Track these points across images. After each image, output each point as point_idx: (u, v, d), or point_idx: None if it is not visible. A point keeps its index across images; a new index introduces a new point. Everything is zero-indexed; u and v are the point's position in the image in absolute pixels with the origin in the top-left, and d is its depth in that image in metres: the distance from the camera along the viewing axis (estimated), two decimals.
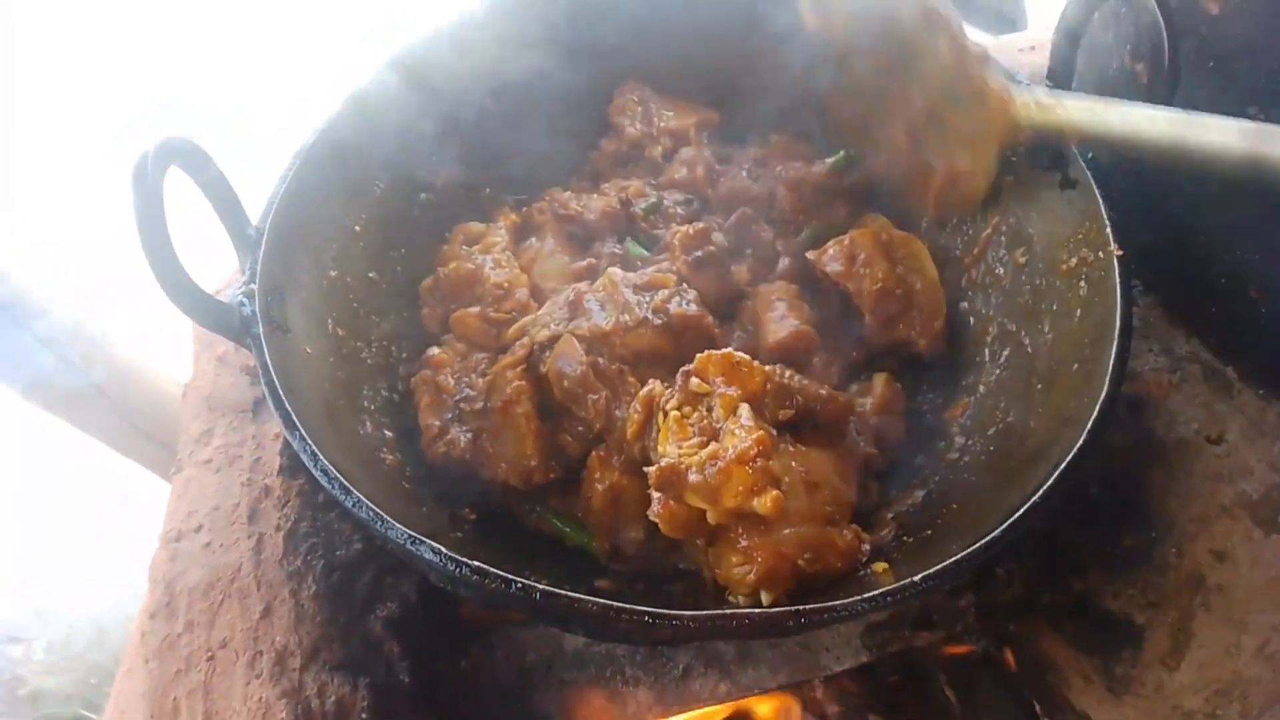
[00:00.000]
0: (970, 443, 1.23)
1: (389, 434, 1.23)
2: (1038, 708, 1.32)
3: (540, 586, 0.90)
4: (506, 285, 1.34)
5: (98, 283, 3.24)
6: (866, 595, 0.92)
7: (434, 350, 1.29)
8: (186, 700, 1.10)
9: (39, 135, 3.83)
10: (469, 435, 1.20)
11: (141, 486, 3.09)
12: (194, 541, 1.22)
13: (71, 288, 2.66)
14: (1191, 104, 1.18)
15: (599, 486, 1.14)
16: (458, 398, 1.23)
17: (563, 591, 0.92)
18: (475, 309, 1.32)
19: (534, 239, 1.46)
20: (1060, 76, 1.24)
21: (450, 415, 1.23)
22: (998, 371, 1.27)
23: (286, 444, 1.29)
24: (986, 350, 1.31)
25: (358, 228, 1.34)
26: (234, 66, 3.93)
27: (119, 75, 3.95)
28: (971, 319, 1.36)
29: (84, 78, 3.94)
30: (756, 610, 0.93)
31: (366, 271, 1.34)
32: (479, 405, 1.21)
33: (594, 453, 1.17)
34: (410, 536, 0.93)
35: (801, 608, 0.91)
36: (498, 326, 1.31)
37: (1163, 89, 1.09)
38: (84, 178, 3.73)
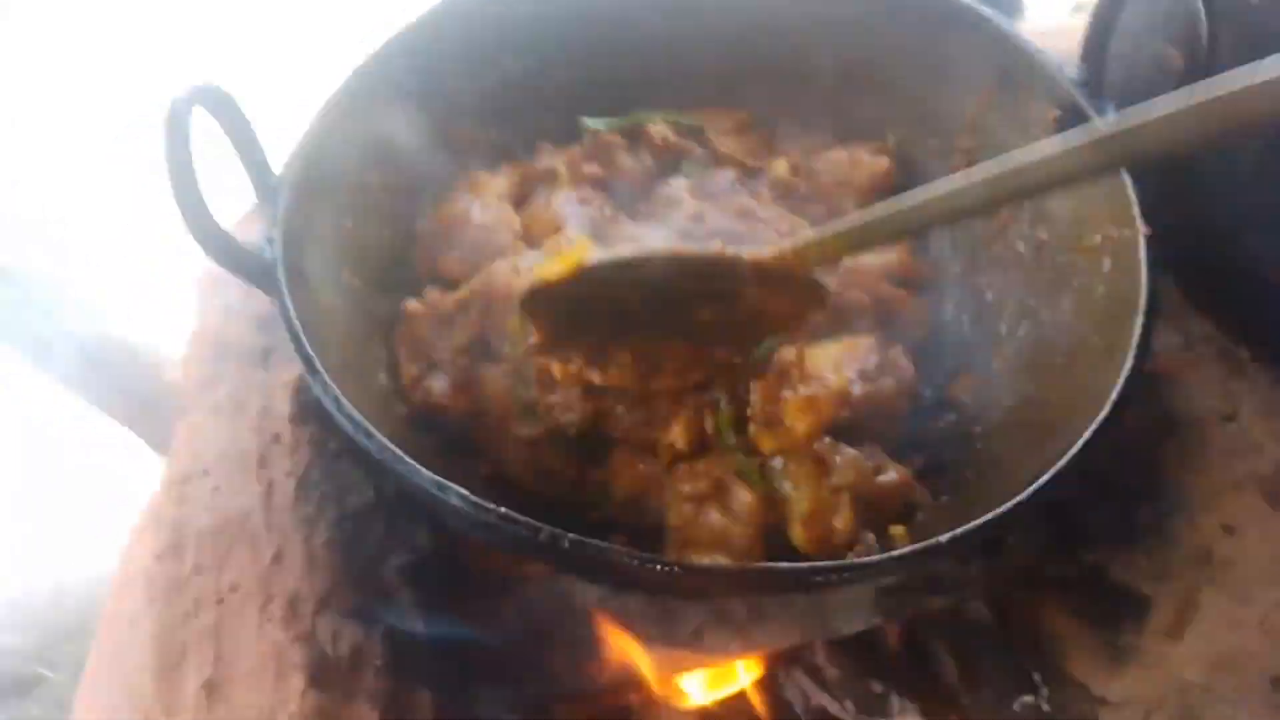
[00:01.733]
0: (987, 414, 1.24)
1: (401, 388, 1.22)
2: (1036, 677, 1.34)
3: (569, 535, 0.89)
4: (491, 225, 1.31)
5: (88, 244, 3.19)
6: (893, 554, 0.93)
7: (410, 303, 1.27)
8: (196, 642, 1.09)
9: (43, 108, 3.76)
10: (445, 381, 1.19)
11: (106, 445, 3.06)
12: (201, 485, 1.20)
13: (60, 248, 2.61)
14: None
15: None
16: (434, 347, 1.22)
17: (591, 540, 0.92)
18: (457, 253, 1.31)
19: (541, 194, 1.41)
20: (1094, 58, 1.24)
21: (427, 367, 1.22)
22: (1017, 345, 1.28)
23: (297, 391, 1.27)
24: (1004, 325, 1.32)
25: (374, 182, 1.32)
26: (263, 21, 3.88)
27: (136, 45, 3.89)
28: (989, 293, 1.36)
29: (101, 51, 3.87)
30: (782, 565, 0.93)
31: (383, 226, 1.33)
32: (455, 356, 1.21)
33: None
34: (437, 482, 0.92)
35: (828, 564, 0.92)
36: (477, 268, 1.28)
37: (1197, 75, 1.09)
38: (91, 150, 3.68)
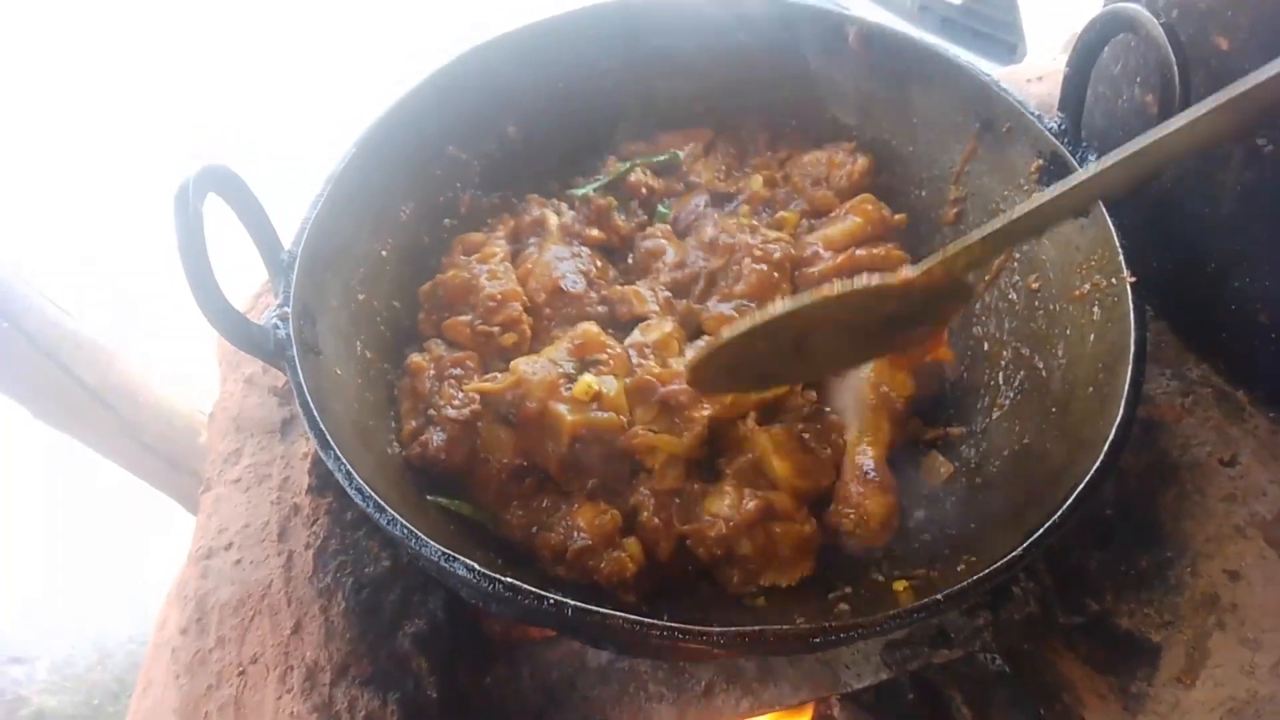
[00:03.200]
0: (986, 466, 1.26)
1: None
2: None
3: (572, 603, 0.92)
4: (500, 297, 1.34)
5: (110, 299, 3.29)
6: (890, 613, 0.94)
7: (414, 357, 1.31)
8: (218, 715, 1.12)
9: (63, 151, 3.90)
10: (442, 437, 1.22)
11: (146, 508, 3.13)
12: (224, 559, 1.24)
13: (83, 301, 2.68)
14: None
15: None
16: (432, 403, 1.26)
17: (594, 608, 0.95)
18: (466, 318, 1.34)
19: (533, 245, 1.46)
20: (1071, 107, 1.27)
21: (424, 420, 1.25)
22: (1012, 395, 1.30)
23: (315, 463, 1.31)
24: (1000, 374, 1.34)
25: (384, 252, 1.37)
26: (267, 90, 4.00)
27: (154, 95, 4.02)
28: (986, 344, 1.38)
29: (119, 96, 4.01)
30: (784, 626, 0.95)
31: (392, 296, 1.37)
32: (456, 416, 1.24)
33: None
34: (444, 554, 0.95)
35: (828, 624, 0.94)
36: (487, 337, 1.32)
37: None
38: (109, 194, 3.80)
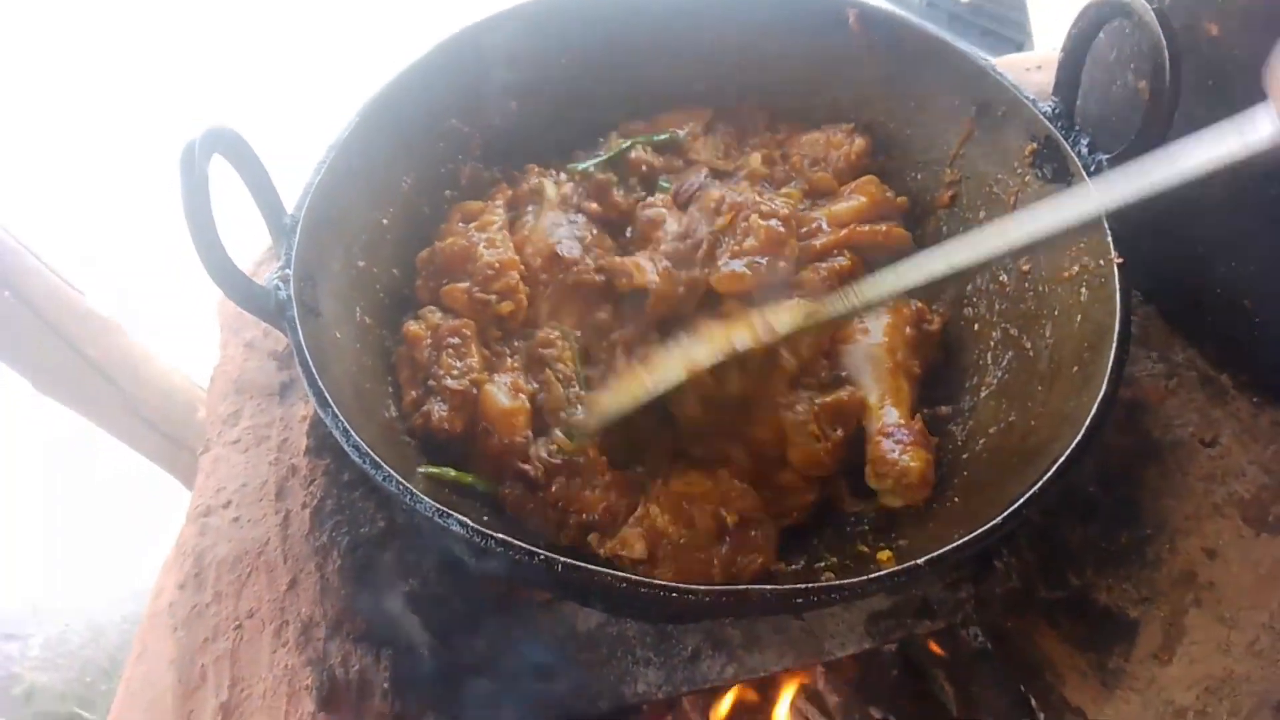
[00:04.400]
0: (972, 441, 1.28)
1: (409, 417, 1.27)
2: (1033, 702, 1.36)
3: (562, 559, 0.94)
4: (498, 266, 1.35)
5: (111, 271, 3.30)
6: (873, 575, 0.96)
7: (410, 325, 1.31)
8: (214, 666, 1.14)
9: (63, 125, 3.91)
10: (444, 408, 1.23)
11: (142, 487, 3.15)
12: (223, 517, 1.26)
13: (86, 273, 2.70)
14: (1192, 121, 1.24)
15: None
16: (431, 372, 1.27)
17: (584, 565, 0.97)
18: (464, 285, 1.35)
19: (530, 213, 1.47)
20: (1065, 92, 1.29)
21: (424, 390, 1.26)
22: (1000, 374, 1.32)
23: (313, 425, 1.33)
24: (989, 354, 1.36)
25: (385, 221, 1.38)
26: (270, 59, 4.01)
27: (153, 72, 4.03)
28: (976, 325, 1.40)
29: (120, 75, 4.02)
30: (768, 587, 0.97)
31: (392, 264, 1.38)
32: (455, 386, 1.25)
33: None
34: (438, 509, 0.97)
35: (811, 585, 0.96)
36: (484, 305, 1.34)
37: (1164, 107, 1.14)
38: (111, 168, 3.81)
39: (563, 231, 1.41)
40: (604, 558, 1.13)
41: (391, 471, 1.00)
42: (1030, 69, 1.79)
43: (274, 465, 1.30)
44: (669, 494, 1.15)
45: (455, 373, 1.26)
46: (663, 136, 1.59)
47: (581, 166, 1.52)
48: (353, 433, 1.03)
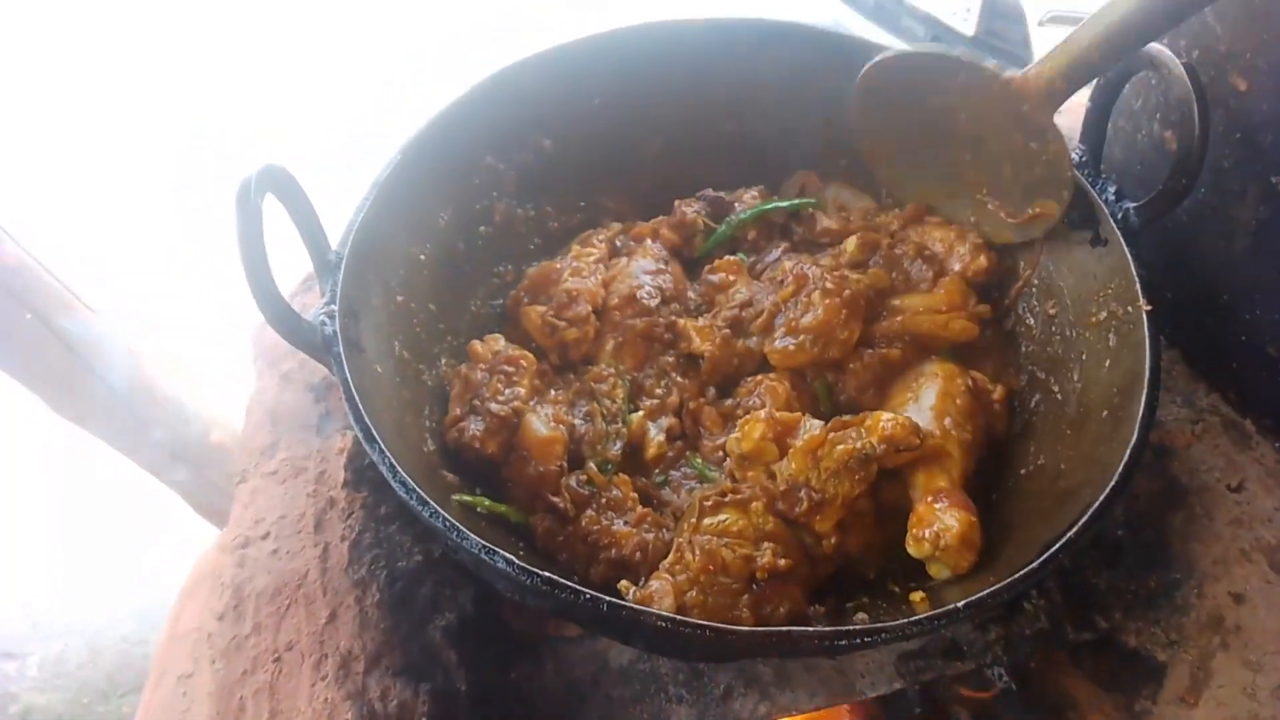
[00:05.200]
0: (1001, 482, 1.30)
1: (445, 451, 1.29)
2: None
3: (606, 598, 0.96)
4: (575, 293, 1.40)
5: (132, 298, 3.33)
6: (913, 618, 0.98)
7: (475, 344, 1.36)
8: (253, 699, 1.15)
9: (82, 146, 3.95)
10: (481, 425, 1.26)
11: (144, 507, 3.16)
12: (261, 548, 1.27)
13: (105, 298, 2.72)
14: (1218, 172, 1.27)
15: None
16: (479, 394, 1.30)
17: (627, 604, 0.99)
18: (541, 307, 1.40)
19: (624, 258, 1.53)
20: (1092, 140, 1.32)
21: (468, 409, 1.29)
22: (1028, 417, 1.35)
23: (351, 458, 1.35)
24: (1017, 397, 1.38)
25: (422, 256, 1.41)
26: (291, 73, 4.06)
27: (162, 101, 4.07)
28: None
29: (146, 102, 4.06)
30: (812, 629, 0.99)
31: (428, 299, 1.41)
32: (497, 411, 1.28)
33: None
34: (485, 547, 0.99)
35: (853, 628, 0.97)
36: (553, 329, 1.39)
37: (1192, 158, 1.17)
38: (124, 186, 3.84)
39: (648, 279, 1.45)
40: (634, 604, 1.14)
41: (438, 508, 1.02)
42: None
43: (312, 498, 1.31)
44: (701, 535, 1.16)
45: (501, 398, 1.29)
46: (799, 202, 1.59)
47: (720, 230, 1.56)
48: (399, 468, 1.05)
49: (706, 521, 1.18)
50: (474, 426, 1.26)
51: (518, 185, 1.56)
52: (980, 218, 1.43)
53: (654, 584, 1.12)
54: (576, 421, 1.31)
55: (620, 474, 1.29)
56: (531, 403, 1.30)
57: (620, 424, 1.29)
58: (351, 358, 1.15)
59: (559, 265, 1.44)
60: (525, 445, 1.27)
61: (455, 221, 1.48)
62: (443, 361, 1.40)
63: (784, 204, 1.59)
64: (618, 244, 1.56)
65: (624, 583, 1.15)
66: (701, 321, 1.41)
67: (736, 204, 1.60)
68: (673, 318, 1.44)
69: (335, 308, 1.17)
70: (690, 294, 1.50)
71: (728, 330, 1.39)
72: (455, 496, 1.20)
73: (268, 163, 1.12)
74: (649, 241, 1.53)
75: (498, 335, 1.39)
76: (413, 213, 1.39)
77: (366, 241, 1.27)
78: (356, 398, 1.10)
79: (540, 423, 1.28)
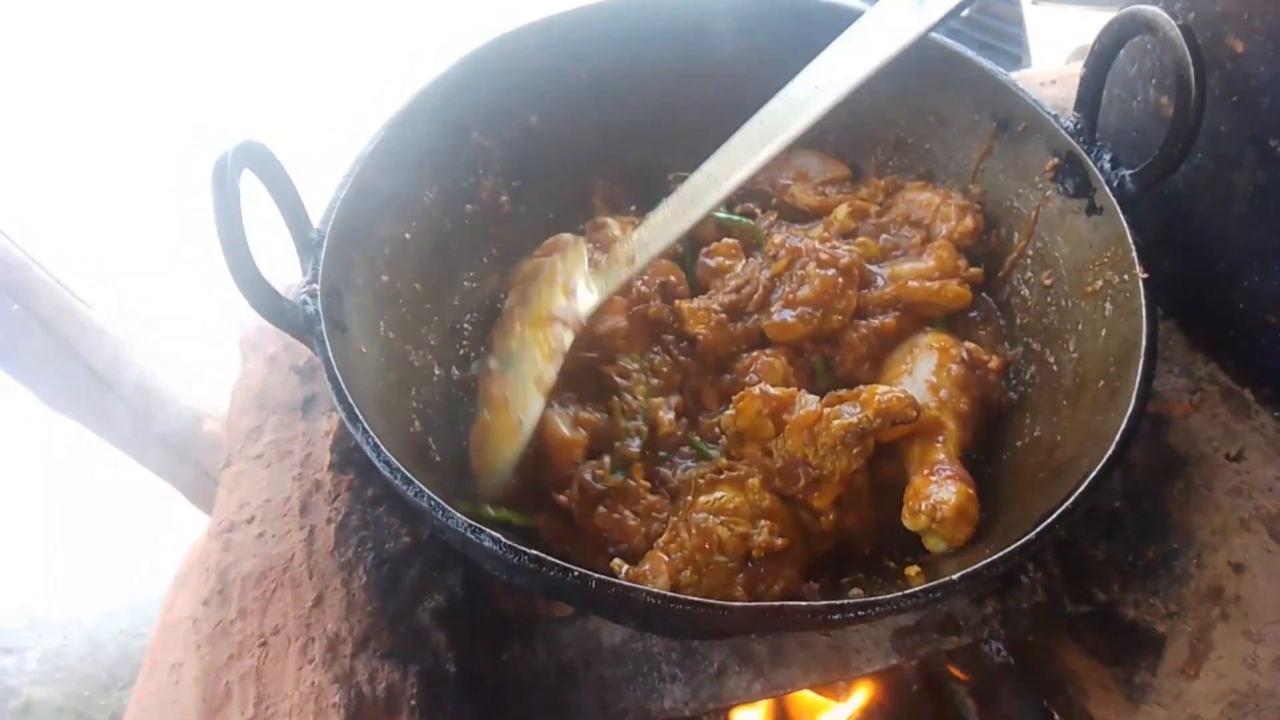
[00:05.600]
0: (996, 455, 1.28)
1: (434, 433, 1.28)
2: (1056, 716, 1.36)
3: (596, 575, 0.94)
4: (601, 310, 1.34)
5: (132, 297, 3.30)
6: (908, 591, 0.96)
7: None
8: (239, 684, 1.14)
9: (73, 139, 3.92)
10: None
11: (142, 500, 3.14)
12: (246, 532, 1.25)
13: (95, 288, 2.70)
14: (1215, 137, 1.25)
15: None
16: None
17: (617, 581, 0.97)
18: None
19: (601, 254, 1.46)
20: (1088, 107, 1.30)
21: None
22: (1023, 388, 1.33)
23: (336, 440, 1.33)
24: (1012, 368, 1.36)
25: (408, 235, 1.39)
26: (289, 70, 4.03)
27: (168, 86, 4.05)
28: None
29: (135, 89, 4.03)
30: (804, 603, 0.98)
31: (414, 279, 1.38)
32: None
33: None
34: (471, 526, 0.97)
35: (847, 601, 0.96)
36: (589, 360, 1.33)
37: (1188, 123, 1.14)
38: (122, 181, 3.82)
39: None
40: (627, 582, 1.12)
41: (423, 487, 1.00)
42: (1045, 83, 1.79)
43: (297, 481, 1.29)
44: (697, 513, 1.14)
45: None
46: (743, 221, 1.55)
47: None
48: (383, 448, 1.03)
49: (702, 499, 1.16)
50: None
51: (505, 162, 1.53)
52: None
53: (647, 563, 1.11)
54: (597, 417, 1.28)
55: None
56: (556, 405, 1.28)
57: (640, 420, 1.27)
58: (334, 338, 1.13)
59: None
60: (548, 445, 1.24)
61: (441, 199, 1.45)
62: (431, 342, 1.38)
63: (722, 216, 1.54)
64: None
65: (616, 561, 1.13)
66: (697, 304, 1.39)
67: None
68: (665, 304, 1.40)
69: (317, 286, 1.15)
70: (674, 278, 1.45)
71: (723, 315, 1.37)
72: (460, 507, 1.17)
73: (245, 138, 1.10)
74: (613, 230, 1.49)
75: None
76: (397, 190, 1.36)
77: (349, 219, 1.24)
78: (339, 378, 1.08)
79: (564, 423, 1.25)
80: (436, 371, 1.37)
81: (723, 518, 1.12)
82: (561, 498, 1.20)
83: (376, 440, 1.03)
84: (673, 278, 1.43)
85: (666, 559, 1.10)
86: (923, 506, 1.13)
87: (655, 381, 1.35)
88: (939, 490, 1.14)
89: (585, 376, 1.34)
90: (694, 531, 1.11)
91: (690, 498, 1.16)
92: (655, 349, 1.39)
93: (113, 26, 4.21)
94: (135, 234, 3.63)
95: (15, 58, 3.99)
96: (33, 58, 4.08)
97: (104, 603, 3.21)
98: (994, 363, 1.31)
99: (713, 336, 1.36)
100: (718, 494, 1.15)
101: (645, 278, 1.40)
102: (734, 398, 1.25)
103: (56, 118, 3.98)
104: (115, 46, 4.15)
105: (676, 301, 1.41)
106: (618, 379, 1.32)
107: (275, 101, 3.98)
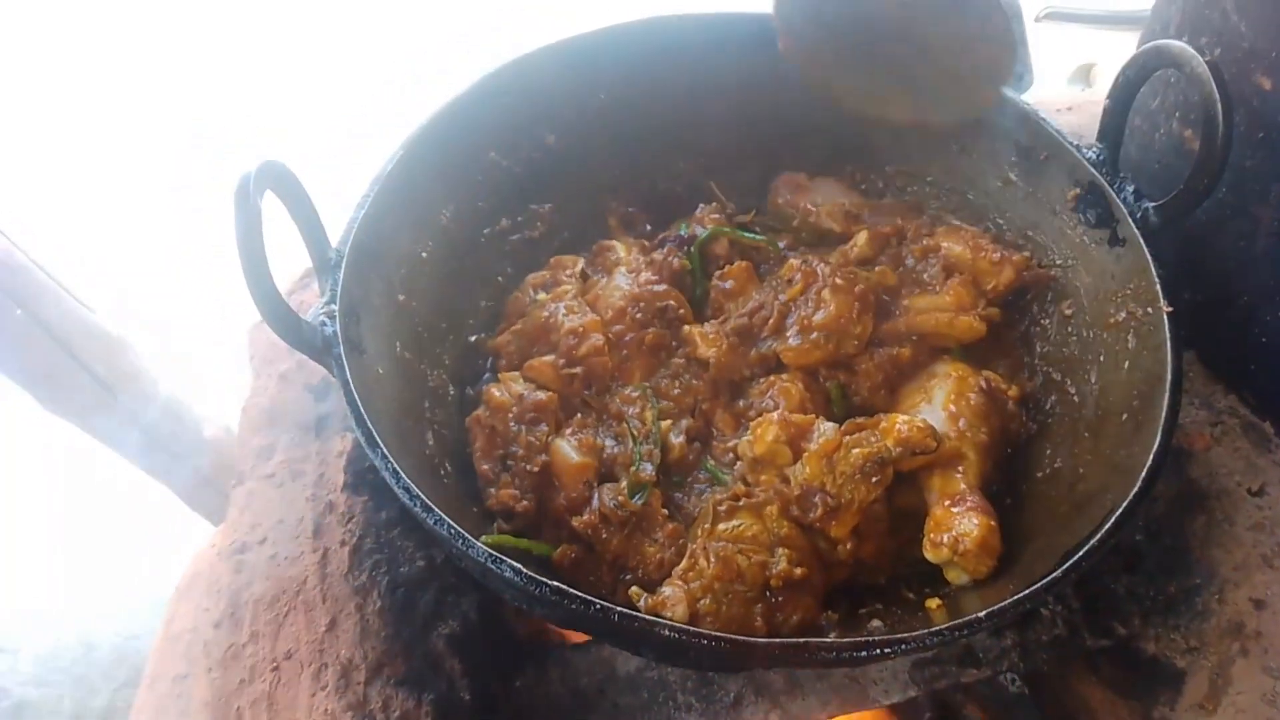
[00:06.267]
0: (1017, 487, 1.27)
1: (446, 452, 1.27)
2: None
3: (617, 608, 0.93)
4: (580, 330, 1.34)
5: (131, 297, 3.29)
6: (934, 629, 0.95)
7: (494, 392, 1.29)
8: (250, 710, 1.12)
9: (76, 143, 3.91)
10: (531, 498, 1.22)
11: (138, 503, 3.12)
12: (259, 553, 1.24)
13: (104, 297, 2.69)
14: (1240, 172, 1.25)
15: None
16: (509, 450, 1.25)
17: (639, 614, 0.96)
18: (549, 358, 1.34)
19: (601, 276, 1.49)
20: (1110, 138, 1.29)
21: (500, 466, 1.24)
22: (1042, 418, 1.32)
23: (350, 460, 1.32)
24: (1032, 399, 1.35)
25: (424, 254, 1.38)
26: (291, 75, 4.03)
27: (176, 97, 4.05)
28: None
29: (141, 98, 4.03)
30: (831, 640, 0.96)
31: (430, 298, 1.38)
32: (532, 469, 1.23)
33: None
34: (491, 555, 0.95)
35: (871, 639, 0.95)
36: (570, 379, 1.33)
37: (1214, 158, 1.14)
38: (125, 187, 3.81)
39: (635, 288, 1.41)
40: (644, 612, 1.10)
41: (443, 515, 0.99)
42: (1061, 110, 1.79)
43: (310, 501, 1.28)
44: (716, 541, 1.13)
45: (534, 448, 1.25)
46: (760, 237, 1.53)
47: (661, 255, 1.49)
48: (402, 474, 1.02)
49: (721, 527, 1.15)
50: (524, 500, 1.21)
51: (522, 182, 1.53)
52: (929, 107, 1.39)
53: (666, 590, 1.09)
54: (606, 442, 1.27)
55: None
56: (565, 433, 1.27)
57: (651, 444, 1.26)
58: (352, 359, 1.12)
59: (546, 313, 1.37)
60: (557, 473, 1.24)
61: (458, 219, 1.44)
62: (446, 361, 1.37)
63: (741, 234, 1.53)
64: (588, 271, 1.51)
65: (635, 589, 1.12)
66: (708, 328, 1.38)
67: (698, 227, 1.53)
68: (682, 326, 1.40)
69: (335, 308, 1.14)
70: (673, 301, 1.42)
71: (735, 339, 1.35)
72: (483, 539, 1.15)
73: (267, 158, 1.09)
74: (618, 255, 1.49)
75: (513, 375, 1.33)
76: (415, 209, 1.36)
77: (368, 239, 1.23)
78: (358, 400, 1.06)
79: (571, 449, 1.25)
80: (451, 391, 1.36)
81: (741, 546, 1.11)
82: (577, 523, 1.19)
83: (396, 467, 1.02)
84: (672, 301, 1.42)
85: (685, 587, 1.09)
86: (945, 539, 1.12)
87: (664, 404, 1.34)
88: (961, 522, 1.12)
89: (591, 404, 1.33)
90: (713, 560, 1.09)
91: (709, 525, 1.15)
92: (664, 374, 1.38)
93: (113, 26, 4.20)
94: (135, 234, 3.62)
95: (16, 57, 3.97)
96: (33, 58, 4.06)
97: (97, 603, 3.18)
98: (1013, 391, 1.30)
99: (724, 359, 1.35)
100: (735, 522, 1.14)
101: (641, 304, 1.39)
102: (752, 423, 1.24)
103: (56, 117, 3.97)
104: (115, 47, 4.14)
105: (686, 327, 1.40)
106: (623, 405, 1.32)
107: (275, 101, 3.97)
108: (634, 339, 1.36)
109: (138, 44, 4.15)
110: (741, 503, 1.17)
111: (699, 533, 1.15)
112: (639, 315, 1.38)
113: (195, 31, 4.25)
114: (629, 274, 1.42)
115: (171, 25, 4.25)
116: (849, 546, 1.16)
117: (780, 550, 1.13)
